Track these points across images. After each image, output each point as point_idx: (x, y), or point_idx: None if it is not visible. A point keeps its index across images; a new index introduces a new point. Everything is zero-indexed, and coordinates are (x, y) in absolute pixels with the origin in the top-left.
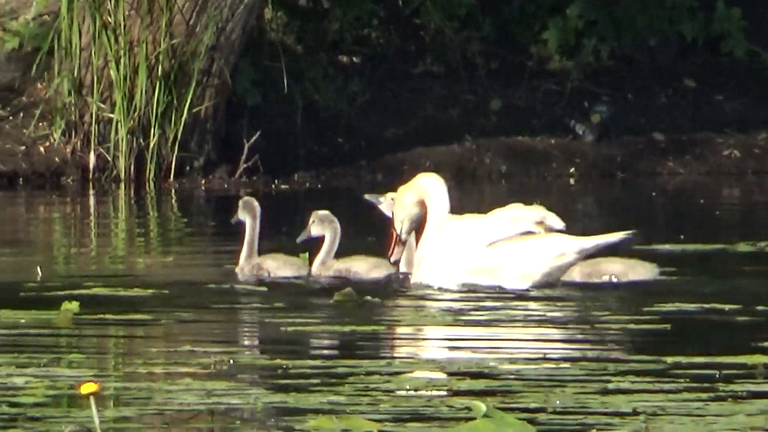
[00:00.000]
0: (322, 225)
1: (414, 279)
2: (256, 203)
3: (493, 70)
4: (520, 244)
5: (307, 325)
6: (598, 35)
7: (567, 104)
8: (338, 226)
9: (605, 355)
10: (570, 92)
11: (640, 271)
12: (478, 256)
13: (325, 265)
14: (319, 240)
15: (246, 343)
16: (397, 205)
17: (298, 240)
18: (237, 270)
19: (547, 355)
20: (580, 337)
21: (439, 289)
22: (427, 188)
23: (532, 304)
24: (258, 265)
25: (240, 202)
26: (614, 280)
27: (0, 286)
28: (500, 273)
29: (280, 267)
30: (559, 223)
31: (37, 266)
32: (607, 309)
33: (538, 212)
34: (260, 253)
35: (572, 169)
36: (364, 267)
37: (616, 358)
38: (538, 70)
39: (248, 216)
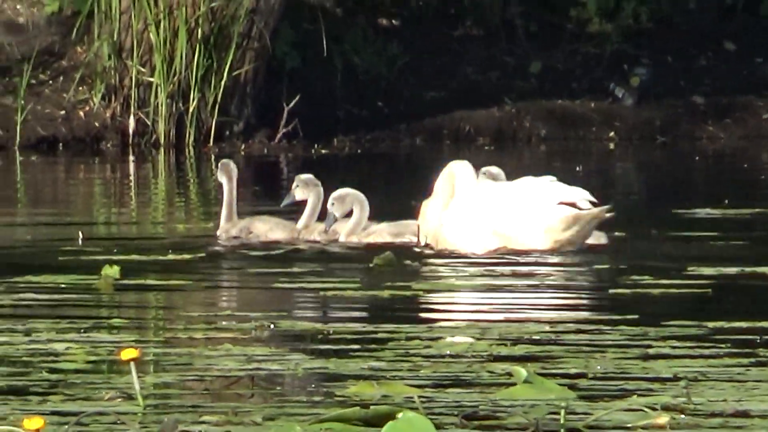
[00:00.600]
0: (306, 188)
1: (441, 242)
2: (233, 165)
3: (532, 32)
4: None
5: (345, 290)
6: None
7: (606, 67)
8: (321, 189)
9: (646, 320)
10: (609, 55)
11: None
12: (505, 220)
13: (308, 228)
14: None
15: (286, 308)
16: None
17: (282, 205)
18: (218, 233)
19: (587, 320)
20: (619, 301)
21: (472, 253)
22: (456, 171)
23: (568, 269)
24: (247, 228)
25: (219, 164)
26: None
27: (40, 251)
28: (523, 238)
29: (271, 229)
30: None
31: (77, 231)
32: (646, 273)
33: (572, 193)
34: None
35: (612, 133)
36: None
37: (657, 322)
38: (578, 33)
39: (225, 178)
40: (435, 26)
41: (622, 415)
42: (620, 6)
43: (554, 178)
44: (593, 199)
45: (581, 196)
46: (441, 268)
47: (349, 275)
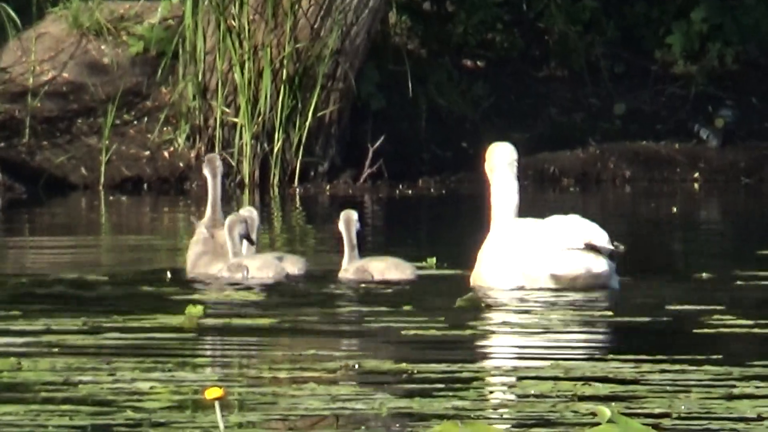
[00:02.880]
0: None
1: (474, 279)
2: (218, 162)
3: (617, 74)
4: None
5: (429, 329)
6: (723, 39)
7: (691, 109)
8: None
9: (730, 360)
10: (694, 97)
11: (395, 271)
12: (532, 263)
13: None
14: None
15: (370, 347)
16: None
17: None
18: (200, 229)
19: (671, 360)
20: (703, 341)
21: (548, 293)
22: (495, 152)
23: (650, 309)
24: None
25: (205, 159)
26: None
27: (125, 291)
28: (544, 279)
29: (206, 264)
30: (606, 245)
31: (162, 271)
32: (730, 313)
33: (588, 232)
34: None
35: (696, 174)
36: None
37: (741, 362)
38: (663, 75)
39: (209, 174)
40: (520, 67)
41: None
42: (705, 48)
43: (578, 217)
44: (610, 246)
45: (602, 237)
46: (522, 308)
47: (432, 315)
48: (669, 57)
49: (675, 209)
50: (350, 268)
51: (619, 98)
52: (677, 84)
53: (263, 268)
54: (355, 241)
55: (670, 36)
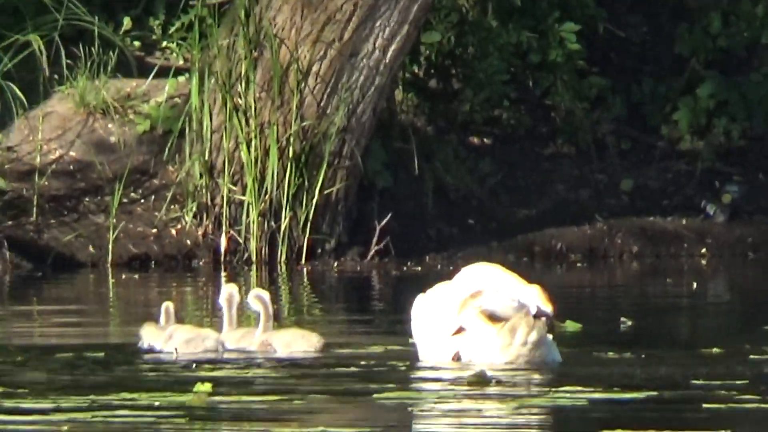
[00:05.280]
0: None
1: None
2: (170, 307)
3: (624, 150)
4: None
5: (442, 402)
6: (729, 115)
7: (698, 184)
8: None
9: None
10: (701, 173)
11: (301, 343)
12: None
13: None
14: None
15: (379, 423)
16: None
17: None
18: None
19: None
20: (714, 415)
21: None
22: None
23: (661, 383)
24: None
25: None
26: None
27: (133, 368)
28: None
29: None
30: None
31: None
32: (739, 388)
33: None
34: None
35: (704, 250)
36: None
37: None
38: (669, 151)
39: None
40: (526, 144)
41: None
42: (712, 124)
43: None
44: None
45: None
46: (524, 382)
47: (442, 391)
48: (675, 133)
49: (695, 285)
50: (251, 339)
51: (625, 174)
52: (684, 160)
53: (189, 341)
54: (235, 318)
55: (677, 112)
